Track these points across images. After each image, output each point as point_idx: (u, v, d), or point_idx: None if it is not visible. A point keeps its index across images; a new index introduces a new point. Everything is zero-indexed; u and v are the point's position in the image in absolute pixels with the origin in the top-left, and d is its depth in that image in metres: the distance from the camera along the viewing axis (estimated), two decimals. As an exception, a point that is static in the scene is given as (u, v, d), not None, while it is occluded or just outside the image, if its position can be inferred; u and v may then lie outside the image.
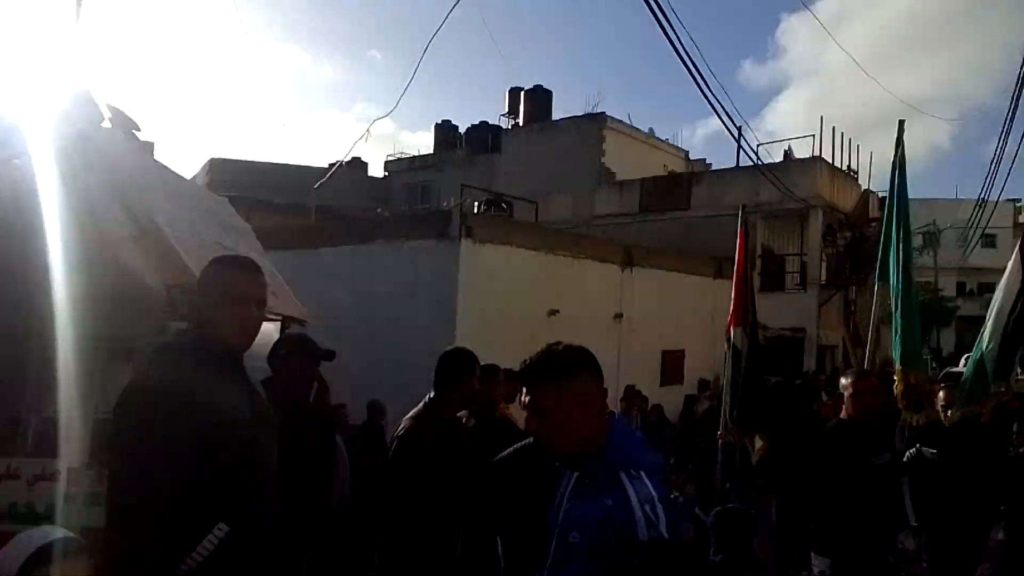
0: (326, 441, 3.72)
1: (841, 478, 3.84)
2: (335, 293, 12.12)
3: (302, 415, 3.49)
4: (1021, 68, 13.41)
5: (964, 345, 37.33)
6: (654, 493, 1.87)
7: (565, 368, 2.05)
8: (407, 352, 10.87)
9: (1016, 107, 14.30)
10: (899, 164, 7.00)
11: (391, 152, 30.44)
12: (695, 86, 9.20)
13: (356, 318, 11.94)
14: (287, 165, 27.28)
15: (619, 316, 14.50)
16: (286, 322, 4.82)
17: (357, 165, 30.05)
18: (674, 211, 21.34)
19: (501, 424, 4.39)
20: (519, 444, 3.05)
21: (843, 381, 4.17)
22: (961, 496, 4.45)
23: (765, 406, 7.01)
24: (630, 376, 13.64)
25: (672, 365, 16.24)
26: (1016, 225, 42.34)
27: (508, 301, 11.98)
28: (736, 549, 3.13)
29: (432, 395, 3.37)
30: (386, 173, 29.68)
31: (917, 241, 25.96)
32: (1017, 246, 5.84)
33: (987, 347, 5.58)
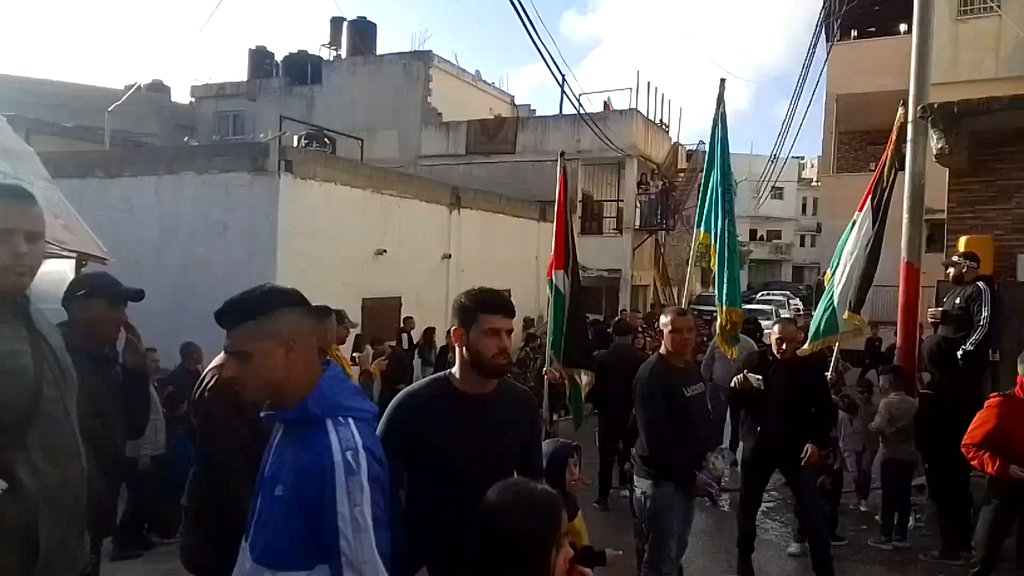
0: (137, 389, 3.31)
1: (658, 408, 4.05)
2: (137, 228, 11.01)
3: (108, 362, 3.07)
4: (811, 41, 14.64)
5: (755, 285, 41.87)
6: (358, 440, 1.82)
7: (261, 307, 1.90)
8: (221, 293, 10.08)
9: (806, 76, 15.70)
10: (720, 120, 7.41)
11: (199, 77, 27.94)
12: (523, 31, 9.09)
13: (161, 256, 10.95)
14: (76, 84, 24.20)
15: (447, 256, 14.46)
16: (82, 259, 4.24)
17: (159, 89, 27.25)
18: (500, 155, 21.51)
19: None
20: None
21: (663, 319, 4.33)
22: (784, 419, 5.02)
23: (588, 344, 7.32)
24: (458, 316, 13.68)
25: (498, 305, 16.54)
26: (800, 180, 47.35)
27: (332, 241, 11.50)
28: (556, 479, 3.25)
29: None
30: (193, 99, 27.15)
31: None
32: (867, 198, 6.38)
33: (839, 288, 6.29)
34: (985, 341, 6.05)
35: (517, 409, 2.59)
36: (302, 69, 24.99)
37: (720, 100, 7.38)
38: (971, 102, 6.57)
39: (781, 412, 5.01)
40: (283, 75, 25.77)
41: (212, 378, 2.93)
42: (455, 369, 2.54)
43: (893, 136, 6.59)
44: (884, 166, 6.46)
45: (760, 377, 5.02)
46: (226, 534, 2.81)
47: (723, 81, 7.39)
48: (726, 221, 6.95)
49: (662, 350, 4.27)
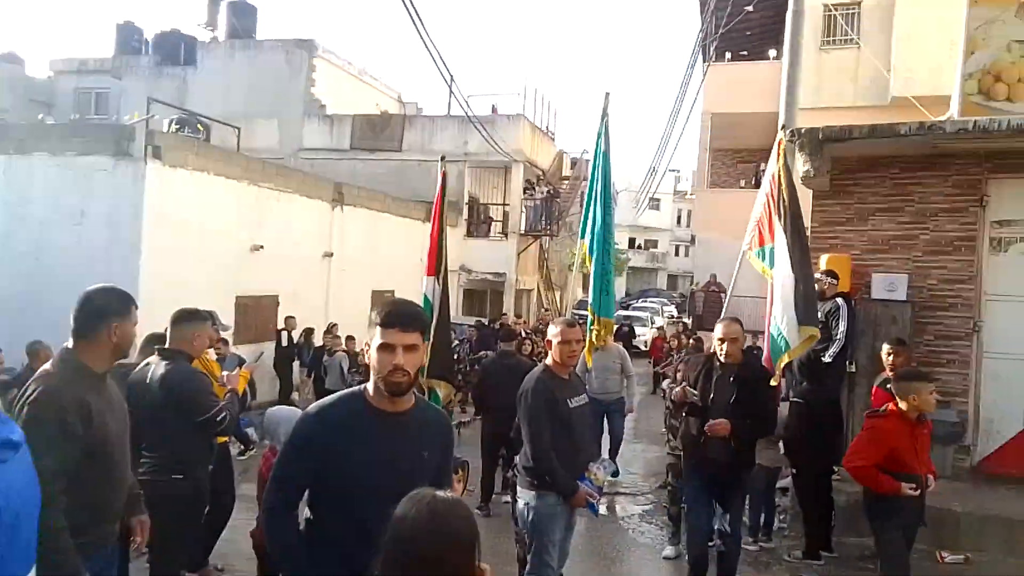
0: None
1: (543, 421, 4.05)
2: (-21, 212, 9.98)
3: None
4: (689, 61, 15.31)
5: (632, 292, 43.42)
6: None
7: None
8: (76, 287, 9.33)
9: (685, 94, 16.41)
10: (604, 132, 7.48)
11: (59, 50, 25.71)
12: (412, 27, 8.92)
13: (8, 242, 9.97)
14: (-94, 48, 21.67)
15: (329, 255, 14.02)
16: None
17: (12, 60, 24.93)
18: (386, 152, 21.10)
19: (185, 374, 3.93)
20: None
21: (552, 330, 4.32)
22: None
23: (451, 356, 7.10)
24: (340, 314, 13.31)
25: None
26: (676, 192, 49.49)
27: (204, 234, 10.86)
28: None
29: (69, 345, 2.78)
30: (51, 74, 24.98)
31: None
32: (784, 219, 6.08)
33: (781, 320, 5.93)
34: (842, 353, 6.46)
35: (433, 430, 2.49)
36: (174, 49, 23.52)
37: (604, 112, 7.46)
38: (833, 128, 6.99)
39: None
40: (153, 53, 24.17)
41: (37, 388, 2.64)
42: (370, 384, 2.42)
43: (779, 157, 6.23)
44: (782, 199, 5.97)
45: (696, 393, 4.77)
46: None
47: (608, 95, 7.49)
48: (604, 233, 6.98)
49: (548, 361, 4.27)
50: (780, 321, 5.81)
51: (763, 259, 6.21)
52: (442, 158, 7.18)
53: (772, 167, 6.23)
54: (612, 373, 8.46)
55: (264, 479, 4.03)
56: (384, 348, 2.28)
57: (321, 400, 2.51)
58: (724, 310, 17.02)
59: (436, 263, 6.41)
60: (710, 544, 4.99)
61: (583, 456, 4.27)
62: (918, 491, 4.31)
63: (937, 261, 7.12)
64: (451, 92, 21.36)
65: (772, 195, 6.13)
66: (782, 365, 5.74)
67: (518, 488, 4.35)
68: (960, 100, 6.97)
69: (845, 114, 12.31)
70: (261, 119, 20.92)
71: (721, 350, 4.77)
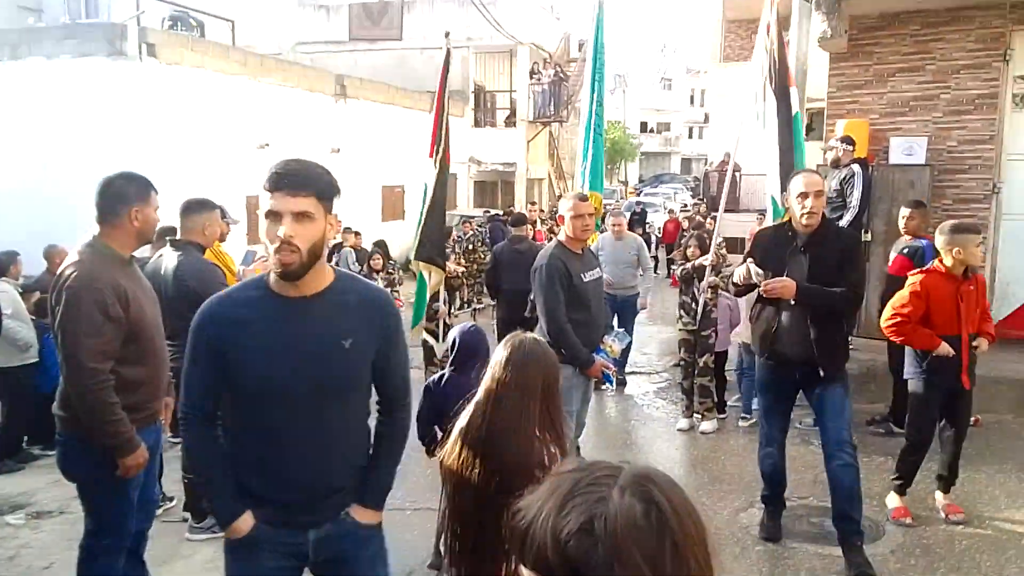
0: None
1: (557, 294, 4.11)
2: (-22, 121, 9.88)
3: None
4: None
5: (646, 177, 42.75)
6: None
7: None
8: (84, 195, 9.32)
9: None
10: (599, 15, 7.13)
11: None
12: None
13: (6, 149, 9.91)
14: None
15: (336, 150, 13.83)
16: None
17: (-9, -37, 23.89)
18: (386, 41, 20.42)
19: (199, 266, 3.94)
20: None
21: (563, 204, 4.33)
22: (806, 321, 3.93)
23: (443, 240, 6.93)
24: (350, 212, 13.26)
25: (392, 201, 16.14)
26: (688, 71, 47.84)
27: (208, 134, 10.71)
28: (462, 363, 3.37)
29: (96, 233, 2.78)
30: (35, -24, 24.06)
31: (610, 83, 28.16)
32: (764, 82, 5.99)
33: (770, 184, 5.93)
34: (856, 220, 6.40)
35: (359, 313, 2.06)
36: (161, -58, 22.45)
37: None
38: (853, -17, 6.65)
39: (803, 312, 3.71)
40: (139, -52, 23.11)
41: (72, 274, 2.66)
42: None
43: (772, 27, 6.22)
44: (773, 58, 5.87)
45: (761, 271, 3.73)
46: (96, 439, 2.65)
47: None
48: (594, 105, 6.75)
49: (561, 236, 4.28)
50: (774, 188, 5.85)
51: (761, 119, 6.10)
52: (447, 34, 6.88)
53: (766, 17, 5.92)
54: (627, 265, 7.71)
55: None
56: (269, 216, 1.89)
57: (222, 290, 2.19)
58: (735, 189, 16.82)
59: (435, 145, 6.24)
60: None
61: (598, 328, 4.33)
62: (953, 354, 4.07)
63: (958, 121, 6.91)
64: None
65: (768, 52, 5.95)
66: None
67: None
68: (988, -55, 6.55)
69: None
70: (255, 12, 20.18)
71: (802, 209, 3.65)
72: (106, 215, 2.77)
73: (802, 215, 3.65)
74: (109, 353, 2.61)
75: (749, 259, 3.83)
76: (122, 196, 2.78)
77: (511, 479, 1.87)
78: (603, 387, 5.72)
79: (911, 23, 6.96)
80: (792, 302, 3.69)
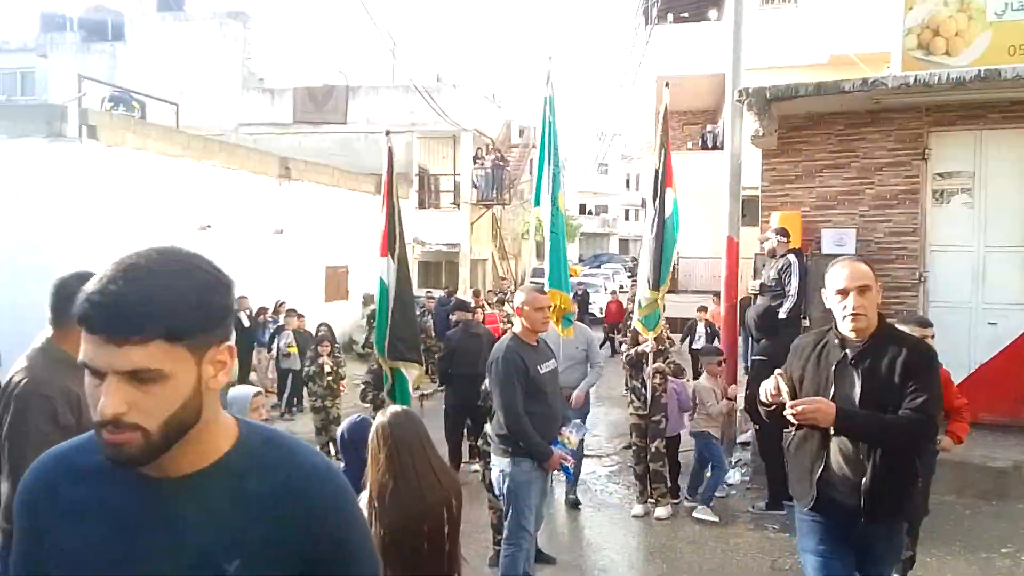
0: None
1: (514, 388, 4.11)
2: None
3: None
4: (635, 21, 15.31)
5: (585, 257, 43.75)
6: None
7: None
8: (15, 278, 9.02)
9: (632, 57, 16.44)
10: (549, 99, 7.37)
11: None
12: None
13: (-61, 233, 9.51)
14: None
15: (279, 232, 13.73)
16: None
17: (-76, 40, 23.51)
18: (330, 124, 20.67)
19: None
20: None
21: (520, 297, 4.34)
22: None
23: (416, 335, 6.79)
24: (293, 292, 13.12)
25: (336, 280, 16.04)
26: (623, 157, 49.78)
27: (149, 215, 10.51)
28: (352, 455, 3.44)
29: (48, 335, 2.67)
30: (-32, 54, 23.69)
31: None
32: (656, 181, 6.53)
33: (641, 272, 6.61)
34: (796, 308, 6.66)
35: (264, 511, 1.18)
36: (101, 24, 22.52)
37: (548, 77, 7.36)
38: (780, 87, 7.09)
39: (861, 444, 2.84)
40: (79, 29, 23.08)
41: (21, 380, 2.54)
42: None
43: (660, 120, 6.87)
44: (659, 149, 6.63)
45: (787, 389, 2.86)
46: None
47: (550, 58, 7.36)
48: (553, 203, 6.91)
49: (516, 329, 4.32)
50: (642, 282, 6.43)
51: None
52: (387, 132, 6.85)
53: (658, 126, 6.68)
54: (576, 363, 6.66)
55: None
56: (89, 374, 1.17)
57: (59, 445, 1.35)
58: (674, 271, 17.23)
59: (389, 241, 6.15)
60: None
61: (555, 421, 4.34)
62: None
63: (883, 215, 7.34)
64: (394, 57, 21.00)
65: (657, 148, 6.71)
66: (636, 325, 6.41)
67: (492, 456, 4.39)
68: (900, 55, 7.14)
69: (786, 73, 12.50)
70: (197, 94, 20.24)
71: (844, 311, 2.86)
72: (60, 317, 2.66)
73: (844, 318, 2.86)
74: None
75: (778, 374, 2.94)
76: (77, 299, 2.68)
77: (417, 524, 2.46)
78: (560, 479, 5.67)
79: (836, 124, 7.46)
80: (832, 431, 2.83)
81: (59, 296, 2.69)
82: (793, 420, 2.84)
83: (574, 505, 6.46)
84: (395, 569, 2.37)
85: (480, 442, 5.64)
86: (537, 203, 7.39)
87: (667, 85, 6.85)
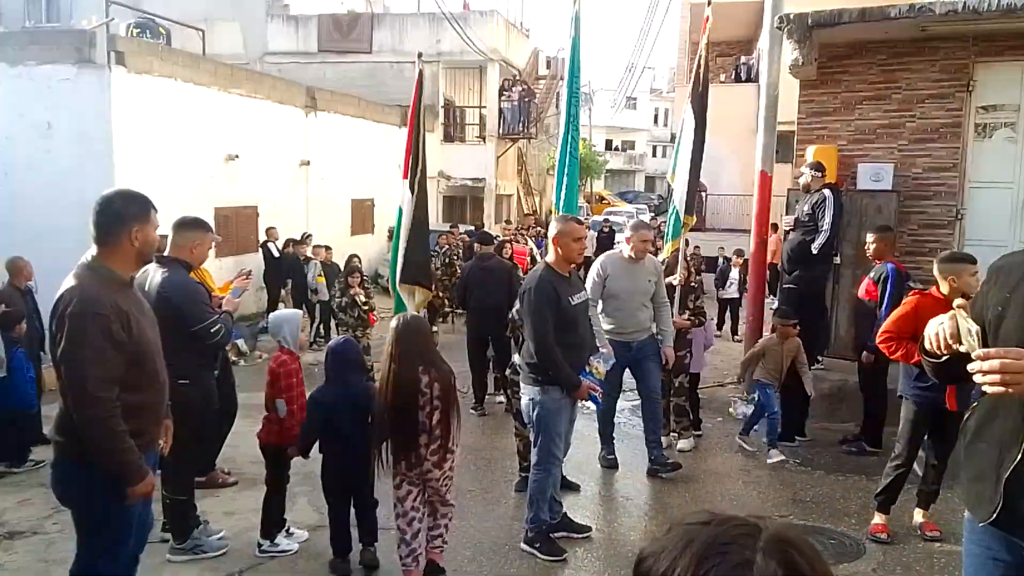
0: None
1: (546, 318, 4.11)
2: (-61, 127, 9.56)
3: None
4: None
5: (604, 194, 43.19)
6: None
7: None
8: (49, 204, 9.13)
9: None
10: (575, 20, 7.14)
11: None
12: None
13: (-28, 161, 9.62)
14: None
15: (306, 163, 13.71)
16: None
17: (-54, -36, 23.22)
18: (356, 54, 20.36)
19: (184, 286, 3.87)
20: None
21: (555, 227, 4.31)
22: None
23: (427, 260, 6.78)
24: (319, 224, 13.19)
25: (362, 214, 16.07)
26: (652, 90, 48.57)
27: (176, 144, 10.54)
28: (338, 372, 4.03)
29: (93, 253, 2.70)
30: (-8, -21, 23.44)
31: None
32: (688, 103, 6.58)
33: (678, 193, 6.67)
34: (828, 244, 6.57)
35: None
36: (126, -53, 22.06)
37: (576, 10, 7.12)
38: (823, 13, 6.80)
39: None
40: (103, -47, 22.67)
41: (72, 298, 2.59)
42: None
43: (702, 52, 6.80)
44: (698, 77, 6.68)
45: (975, 331, 1.85)
46: (104, 467, 2.59)
47: None
48: (569, 127, 6.80)
49: (549, 259, 4.30)
50: (678, 203, 6.52)
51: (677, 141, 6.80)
52: (419, 55, 6.81)
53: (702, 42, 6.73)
54: (645, 296, 5.53)
55: (274, 377, 4.10)
56: None
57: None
58: (701, 209, 17.05)
59: (411, 167, 6.16)
60: None
61: (584, 351, 4.37)
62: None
63: (923, 149, 7.13)
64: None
65: (694, 73, 6.78)
66: (668, 253, 6.50)
67: (521, 385, 4.43)
68: (952, -21, 6.80)
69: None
70: (222, 21, 19.96)
71: None
72: (105, 235, 2.69)
73: None
74: (115, 380, 2.55)
75: (958, 307, 1.96)
76: (122, 216, 2.69)
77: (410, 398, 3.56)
78: (587, 408, 5.72)
79: (878, 53, 7.18)
80: None
81: (104, 215, 2.72)
82: (983, 382, 1.73)
83: (611, 466, 5.88)
84: (393, 421, 3.57)
85: (508, 371, 5.70)
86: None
87: (709, 2, 6.74)
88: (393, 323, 3.72)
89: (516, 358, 4.87)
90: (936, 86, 7.03)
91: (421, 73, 6.51)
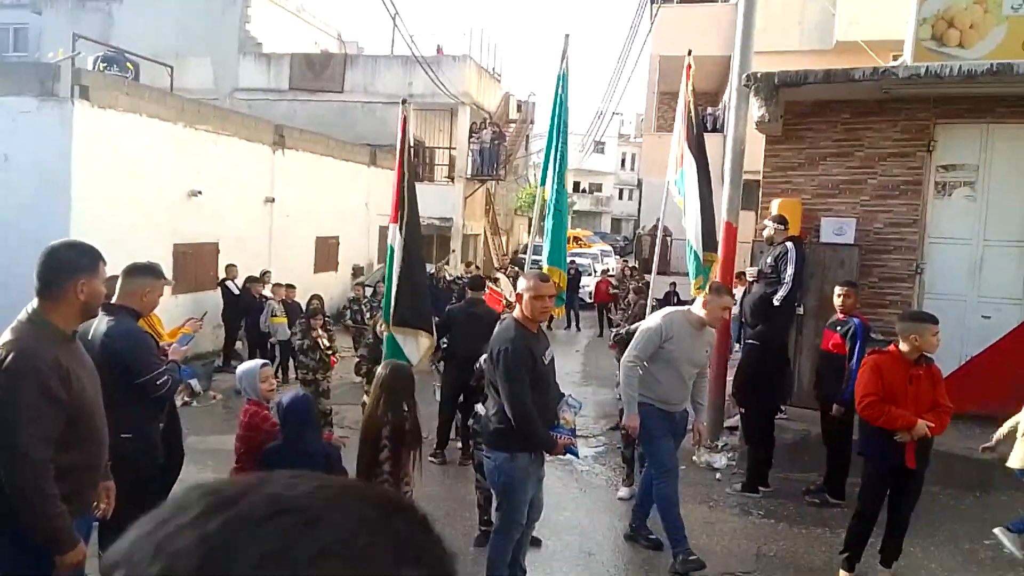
0: None
1: (523, 381, 3.90)
2: None
3: None
4: (639, 1, 15.10)
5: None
6: None
7: None
8: (6, 236, 8.86)
9: (635, 37, 16.22)
10: (563, 77, 7.22)
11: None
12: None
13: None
14: None
15: (271, 200, 13.55)
16: None
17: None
18: (327, 93, 20.37)
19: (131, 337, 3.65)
20: None
21: (524, 283, 4.08)
22: None
23: (424, 304, 6.72)
24: (282, 261, 13.01)
25: (326, 251, 15.91)
26: (620, 135, 49.43)
27: (138, 180, 10.34)
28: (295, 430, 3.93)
29: (35, 305, 2.56)
30: (-42, 7, 23.14)
31: (542, 144, 28.57)
32: (685, 146, 7.00)
33: (693, 237, 7.41)
34: (790, 296, 6.61)
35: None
36: (97, -20, 21.98)
37: (564, 55, 7.22)
38: (789, 73, 6.98)
39: None
40: (74, -14, 22.55)
41: (9, 353, 2.44)
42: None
43: (690, 98, 7.58)
44: (691, 122, 7.41)
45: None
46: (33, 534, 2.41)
47: (567, 36, 7.25)
48: (557, 182, 6.85)
49: (517, 315, 4.09)
50: (694, 242, 7.20)
51: (679, 186, 7.43)
52: (403, 101, 6.81)
53: (683, 92, 7.38)
54: (697, 368, 5.07)
55: (249, 430, 3.97)
56: None
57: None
58: (666, 252, 17.28)
59: (399, 210, 6.18)
60: None
61: (552, 407, 4.21)
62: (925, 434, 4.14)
63: (884, 205, 7.28)
64: (395, 28, 20.62)
65: (684, 120, 7.39)
66: (694, 291, 6.90)
67: (486, 449, 4.22)
68: (913, 45, 7.03)
69: (791, 58, 12.35)
70: (193, 57, 19.87)
71: None
72: (48, 287, 2.55)
73: None
74: (50, 439, 2.39)
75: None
76: (68, 267, 2.57)
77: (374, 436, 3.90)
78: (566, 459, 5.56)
79: (842, 112, 7.36)
80: None
81: (48, 266, 2.58)
82: None
83: (634, 539, 5.38)
84: (363, 458, 3.93)
85: (470, 421, 5.56)
86: (543, 183, 7.31)
87: (690, 52, 7.44)
88: (382, 371, 4.11)
89: (480, 408, 4.73)
90: (897, 145, 7.22)
91: (406, 119, 6.53)
